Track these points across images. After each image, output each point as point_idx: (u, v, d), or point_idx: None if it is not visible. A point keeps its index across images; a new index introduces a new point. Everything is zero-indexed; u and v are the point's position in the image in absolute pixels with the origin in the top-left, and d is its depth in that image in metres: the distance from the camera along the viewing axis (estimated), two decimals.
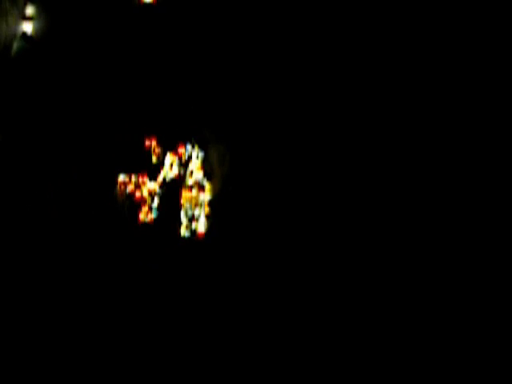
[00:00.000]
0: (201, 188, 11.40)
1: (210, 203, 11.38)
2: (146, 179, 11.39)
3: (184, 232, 11.12)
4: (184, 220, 11.27)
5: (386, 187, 11.35)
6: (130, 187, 11.30)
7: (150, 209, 11.24)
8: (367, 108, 11.86)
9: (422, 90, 12.07)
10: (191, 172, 11.46)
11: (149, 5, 12.17)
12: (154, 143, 11.55)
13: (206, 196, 11.42)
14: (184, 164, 11.48)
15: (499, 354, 10.04)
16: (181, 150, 11.49)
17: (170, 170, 11.46)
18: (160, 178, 11.43)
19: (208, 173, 11.53)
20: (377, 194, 11.32)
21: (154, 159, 11.50)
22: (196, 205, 11.27)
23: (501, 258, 10.78)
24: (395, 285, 10.71)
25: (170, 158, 11.46)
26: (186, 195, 11.39)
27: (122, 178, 11.31)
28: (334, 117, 11.81)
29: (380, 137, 11.70)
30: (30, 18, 12.39)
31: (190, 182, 11.39)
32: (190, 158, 11.53)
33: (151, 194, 11.31)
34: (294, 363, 10.14)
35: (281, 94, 11.92)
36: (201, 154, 11.43)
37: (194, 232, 11.16)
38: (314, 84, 12.01)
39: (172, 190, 11.39)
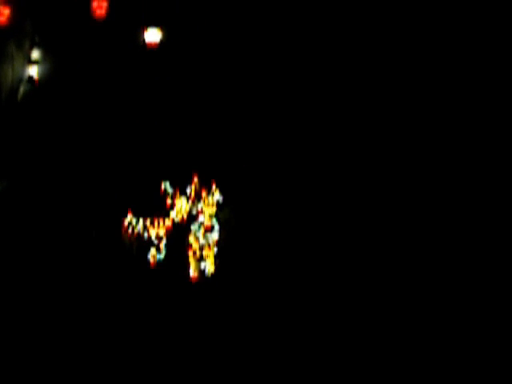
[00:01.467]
0: (210, 228, 11.43)
1: (218, 244, 11.40)
2: (156, 221, 11.42)
3: (193, 272, 11.11)
4: (192, 260, 11.26)
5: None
6: (138, 229, 11.33)
7: (159, 250, 11.23)
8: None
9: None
10: (201, 211, 11.50)
11: (152, 49, 12.30)
12: (167, 185, 11.64)
13: (214, 236, 11.44)
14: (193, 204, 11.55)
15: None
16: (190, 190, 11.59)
17: (179, 212, 11.51)
18: (169, 221, 11.48)
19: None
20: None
21: (168, 201, 11.56)
22: (204, 246, 11.29)
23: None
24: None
25: (181, 200, 11.54)
26: (194, 236, 11.41)
27: (128, 219, 11.34)
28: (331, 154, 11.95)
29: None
30: (35, 62, 12.51)
31: (200, 220, 11.44)
32: (199, 198, 11.58)
33: (158, 237, 11.33)
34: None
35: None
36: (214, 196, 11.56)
37: (202, 272, 11.15)
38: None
39: (180, 232, 11.42)
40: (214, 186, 11.65)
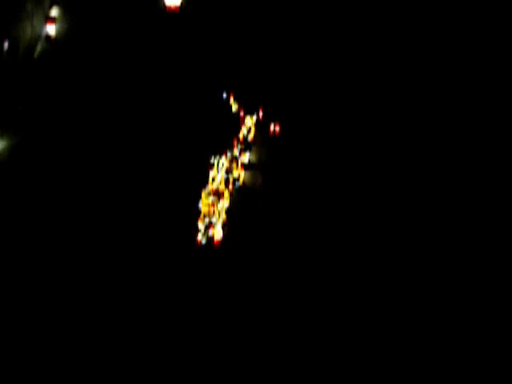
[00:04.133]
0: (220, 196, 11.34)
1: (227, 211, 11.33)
2: None
3: (200, 237, 11.05)
4: (202, 227, 11.19)
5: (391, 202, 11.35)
6: None
7: None
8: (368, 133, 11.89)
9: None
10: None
11: (172, 10, 12.13)
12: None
13: (225, 203, 11.35)
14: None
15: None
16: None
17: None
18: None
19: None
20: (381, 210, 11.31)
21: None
22: (213, 212, 11.21)
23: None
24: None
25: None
26: (205, 202, 11.32)
27: None
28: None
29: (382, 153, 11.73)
30: (53, 20, 12.41)
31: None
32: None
33: None
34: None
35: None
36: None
37: (210, 238, 11.09)
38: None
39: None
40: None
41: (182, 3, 12.33)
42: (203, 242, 11.01)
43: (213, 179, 11.46)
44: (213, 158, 11.57)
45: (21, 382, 9.73)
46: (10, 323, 10.04)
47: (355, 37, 12.46)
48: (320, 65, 12.27)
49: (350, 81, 12.18)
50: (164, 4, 12.35)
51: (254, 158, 11.80)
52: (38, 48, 12.29)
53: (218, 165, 11.58)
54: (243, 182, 11.59)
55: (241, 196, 11.43)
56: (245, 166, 11.65)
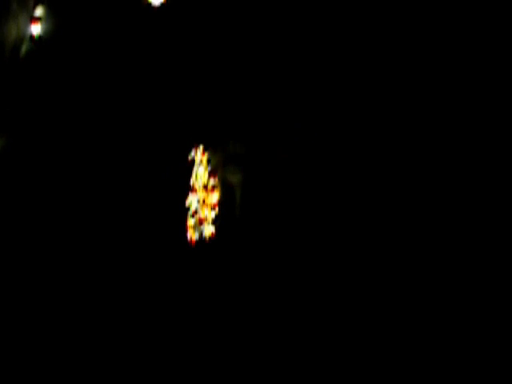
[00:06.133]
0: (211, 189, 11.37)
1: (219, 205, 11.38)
2: None
3: (191, 235, 11.11)
4: (190, 222, 11.24)
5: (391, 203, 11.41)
6: None
7: None
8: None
9: (421, 91, 11.99)
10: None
11: (157, 7, 12.16)
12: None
13: (214, 198, 11.40)
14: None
15: (499, 354, 10.15)
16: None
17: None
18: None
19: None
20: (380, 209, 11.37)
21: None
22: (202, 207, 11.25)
23: (500, 257, 10.80)
24: (396, 284, 10.79)
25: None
26: (192, 198, 11.38)
27: None
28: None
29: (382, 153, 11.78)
30: (38, 20, 12.41)
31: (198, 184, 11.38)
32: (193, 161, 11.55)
33: None
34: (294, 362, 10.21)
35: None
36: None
37: (201, 235, 11.15)
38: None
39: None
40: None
41: (165, 1, 12.33)
42: (195, 238, 11.09)
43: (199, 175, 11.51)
44: (192, 151, 11.55)
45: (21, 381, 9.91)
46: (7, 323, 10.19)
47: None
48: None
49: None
50: (146, 2, 12.35)
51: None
52: (24, 48, 12.29)
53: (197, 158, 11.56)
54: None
55: (228, 190, 11.50)
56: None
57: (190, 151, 11.50)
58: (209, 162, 11.49)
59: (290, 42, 12.22)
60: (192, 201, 11.36)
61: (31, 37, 12.29)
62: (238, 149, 11.67)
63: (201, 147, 11.48)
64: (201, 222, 11.21)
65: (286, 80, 12.09)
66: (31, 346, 10.08)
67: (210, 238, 11.16)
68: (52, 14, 12.45)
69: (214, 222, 11.26)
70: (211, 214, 11.30)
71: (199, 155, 11.45)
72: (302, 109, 11.89)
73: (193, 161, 11.46)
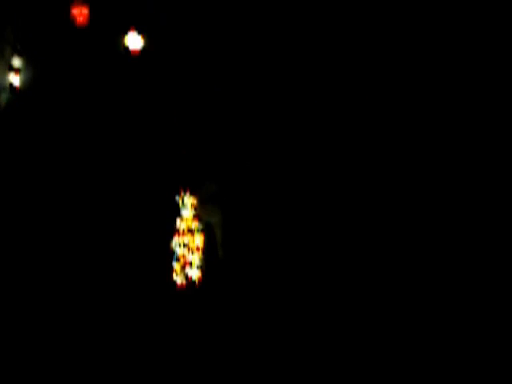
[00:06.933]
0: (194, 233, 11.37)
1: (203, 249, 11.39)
2: None
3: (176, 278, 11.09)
4: (176, 265, 11.23)
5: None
6: None
7: None
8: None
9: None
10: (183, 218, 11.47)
11: (134, 56, 12.27)
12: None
13: (197, 240, 11.41)
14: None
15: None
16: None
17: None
18: None
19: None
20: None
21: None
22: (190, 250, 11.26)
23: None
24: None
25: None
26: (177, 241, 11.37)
27: None
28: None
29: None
30: (17, 70, 12.45)
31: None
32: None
33: None
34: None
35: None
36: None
37: (187, 277, 11.13)
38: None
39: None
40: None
41: (144, 47, 12.45)
42: (180, 282, 11.08)
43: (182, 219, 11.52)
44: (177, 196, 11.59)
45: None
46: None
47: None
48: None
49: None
50: (125, 48, 12.45)
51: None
52: (3, 99, 12.31)
53: (183, 202, 11.60)
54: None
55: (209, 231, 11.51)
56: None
57: (174, 194, 11.55)
58: (191, 205, 11.53)
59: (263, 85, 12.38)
60: (176, 244, 11.37)
61: (11, 86, 12.32)
62: (213, 188, 11.72)
63: (185, 190, 11.53)
64: (187, 265, 11.20)
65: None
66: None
67: (197, 281, 11.16)
68: (30, 64, 12.50)
69: (200, 265, 11.26)
70: (195, 258, 11.30)
71: (184, 198, 11.49)
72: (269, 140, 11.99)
73: (177, 204, 11.50)
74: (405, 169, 11.60)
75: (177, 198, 11.45)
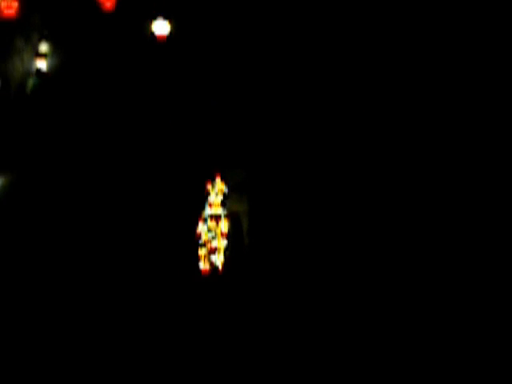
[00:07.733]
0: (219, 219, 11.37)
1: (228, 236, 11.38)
2: None
3: (203, 265, 11.08)
4: (201, 251, 11.23)
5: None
6: None
7: None
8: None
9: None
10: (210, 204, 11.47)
11: (161, 42, 12.27)
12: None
13: (223, 227, 11.40)
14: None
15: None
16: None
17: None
18: None
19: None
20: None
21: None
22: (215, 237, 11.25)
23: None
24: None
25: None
26: (203, 227, 11.37)
27: None
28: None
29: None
30: (43, 55, 12.50)
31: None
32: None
33: None
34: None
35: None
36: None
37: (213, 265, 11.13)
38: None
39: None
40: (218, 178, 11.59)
41: (170, 33, 12.44)
42: (206, 268, 11.08)
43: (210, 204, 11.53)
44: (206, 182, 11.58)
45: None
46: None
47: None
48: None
49: None
50: (152, 34, 12.45)
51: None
52: (30, 83, 12.35)
53: (213, 187, 11.59)
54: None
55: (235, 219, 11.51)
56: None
57: (203, 182, 11.55)
58: (220, 190, 11.55)
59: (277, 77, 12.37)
60: (202, 230, 11.36)
61: (37, 71, 12.37)
62: (242, 175, 11.71)
63: (215, 178, 11.55)
64: (212, 251, 11.19)
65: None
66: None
67: (221, 267, 11.15)
68: (57, 50, 12.54)
69: (225, 251, 11.26)
70: (222, 244, 11.30)
71: (214, 185, 11.51)
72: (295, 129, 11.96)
73: (206, 191, 11.52)
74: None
75: (207, 185, 11.48)
